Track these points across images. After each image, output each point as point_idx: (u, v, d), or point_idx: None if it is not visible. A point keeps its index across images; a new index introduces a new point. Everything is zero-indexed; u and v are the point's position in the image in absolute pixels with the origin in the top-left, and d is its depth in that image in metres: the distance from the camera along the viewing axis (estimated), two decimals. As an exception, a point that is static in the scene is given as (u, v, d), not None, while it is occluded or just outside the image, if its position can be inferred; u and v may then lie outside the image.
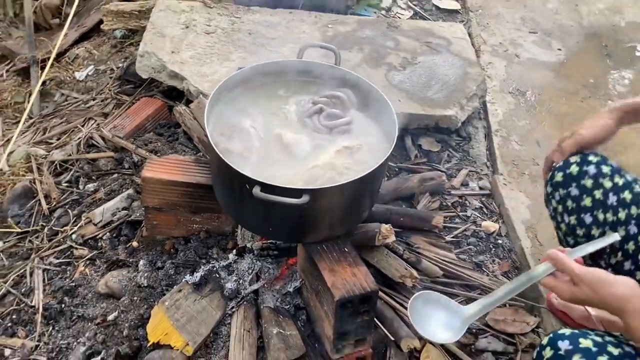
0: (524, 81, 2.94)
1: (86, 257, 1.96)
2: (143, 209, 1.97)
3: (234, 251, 1.78)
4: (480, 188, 2.33)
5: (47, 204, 2.19)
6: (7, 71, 3.12)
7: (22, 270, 1.98)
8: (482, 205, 2.25)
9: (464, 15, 3.44)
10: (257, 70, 1.74)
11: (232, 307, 1.68)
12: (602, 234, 1.44)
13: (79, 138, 2.43)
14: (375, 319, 1.66)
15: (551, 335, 1.17)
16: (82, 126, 2.57)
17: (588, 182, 1.47)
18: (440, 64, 2.64)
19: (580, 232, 1.50)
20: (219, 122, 1.60)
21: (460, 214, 2.20)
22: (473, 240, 2.11)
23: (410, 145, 2.42)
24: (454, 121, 2.42)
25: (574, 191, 1.49)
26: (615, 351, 1.11)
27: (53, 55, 2.47)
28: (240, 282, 1.72)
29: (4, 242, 2.13)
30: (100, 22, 3.07)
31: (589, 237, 1.48)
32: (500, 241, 2.12)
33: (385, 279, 1.80)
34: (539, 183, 2.28)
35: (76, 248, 2.01)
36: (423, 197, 2.17)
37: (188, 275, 1.74)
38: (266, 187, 1.37)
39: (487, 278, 1.95)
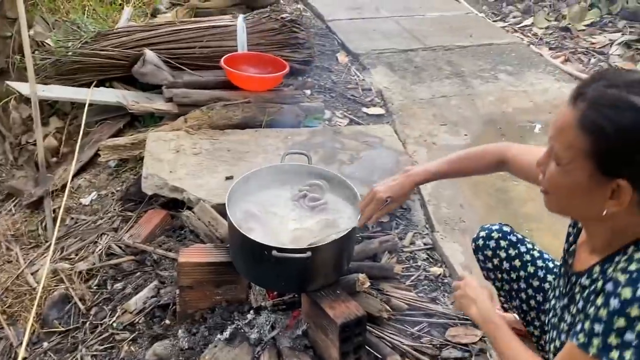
0: (443, 162, 3.75)
1: (129, 339, 2.43)
2: (171, 293, 2.51)
3: (252, 311, 2.33)
4: (424, 244, 3.01)
5: (83, 305, 2.66)
6: (14, 206, 3.62)
7: (73, 359, 2.42)
8: (428, 256, 2.93)
9: (388, 117, 4.32)
10: (254, 175, 2.39)
11: (258, 351, 2.21)
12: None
13: (100, 249, 2.95)
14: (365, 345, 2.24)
15: None
16: (96, 241, 3.09)
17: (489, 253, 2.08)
18: (378, 156, 3.42)
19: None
20: (234, 213, 2.22)
21: (413, 264, 2.86)
22: (426, 282, 2.75)
23: (366, 220, 3.11)
24: (396, 197, 3.14)
25: (488, 252, 2.08)
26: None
27: (68, 189, 3.03)
28: (261, 332, 2.25)
29: (49, 342, 2.56)
30: (95, 155, 3.70)
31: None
32: (446, 280, 2.78)
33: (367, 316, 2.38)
34: (467, 234, 3.00)
35: (117, 333, 2.47)
36: (383, 255, 2.82)
37: (219, 334, 2.26)
38: (280, 250, 1.99)
39: (441, 307, 2.58)
